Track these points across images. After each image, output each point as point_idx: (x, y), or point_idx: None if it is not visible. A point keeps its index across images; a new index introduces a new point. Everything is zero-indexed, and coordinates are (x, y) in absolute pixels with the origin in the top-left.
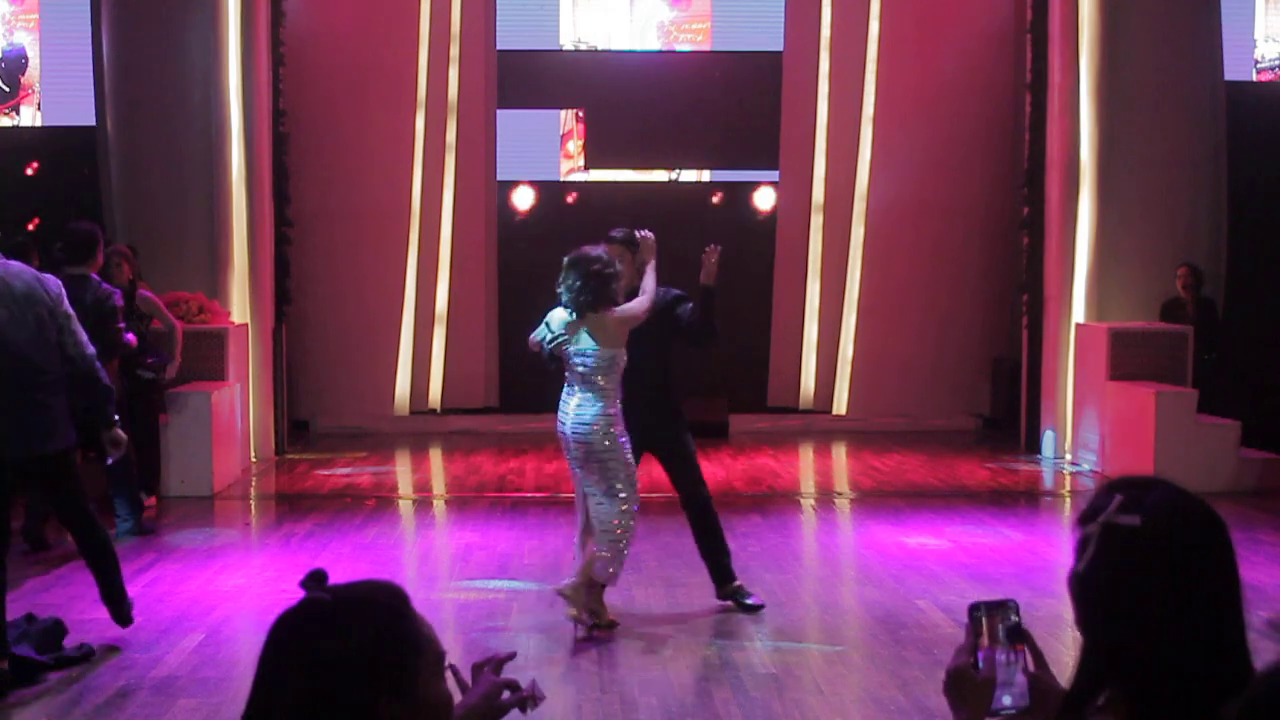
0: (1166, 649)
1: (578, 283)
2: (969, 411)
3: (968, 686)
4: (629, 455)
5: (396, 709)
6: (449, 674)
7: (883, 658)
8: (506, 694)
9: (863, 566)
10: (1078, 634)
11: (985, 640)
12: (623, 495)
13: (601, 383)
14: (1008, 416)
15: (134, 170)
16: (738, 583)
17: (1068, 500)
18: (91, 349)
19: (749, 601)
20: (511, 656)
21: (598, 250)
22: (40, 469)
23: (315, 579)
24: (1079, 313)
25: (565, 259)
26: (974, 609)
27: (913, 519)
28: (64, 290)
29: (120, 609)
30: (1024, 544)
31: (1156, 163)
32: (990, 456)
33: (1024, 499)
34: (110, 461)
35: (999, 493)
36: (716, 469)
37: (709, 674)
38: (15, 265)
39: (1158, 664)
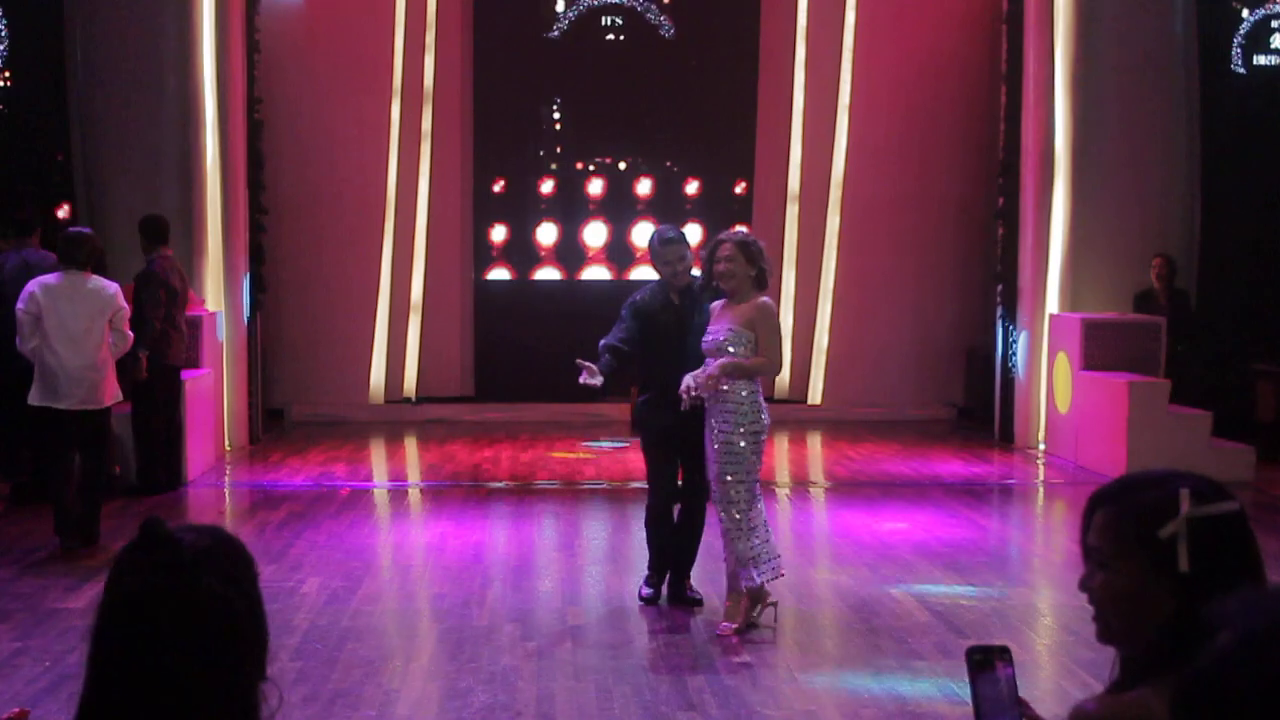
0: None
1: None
2: (943, 401)
3: None
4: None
5: (252, 657)
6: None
7: (856, 646)
8: None
9: (837, 555)
10: (1053, 623)
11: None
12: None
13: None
14: (982, 406)
15: (107, 157)
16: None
17: (1041, 490)
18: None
19: (692, 596)
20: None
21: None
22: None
23: (156, 525)
24: (1053, 303)
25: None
26: (972, 652)
27: (887, 508)
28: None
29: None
30: (997, 533)
31: (1131, 154)
32: (964, 446)
33: (997, 488)
34: None
35: (973, 482)
36: None
37: (683, 662)
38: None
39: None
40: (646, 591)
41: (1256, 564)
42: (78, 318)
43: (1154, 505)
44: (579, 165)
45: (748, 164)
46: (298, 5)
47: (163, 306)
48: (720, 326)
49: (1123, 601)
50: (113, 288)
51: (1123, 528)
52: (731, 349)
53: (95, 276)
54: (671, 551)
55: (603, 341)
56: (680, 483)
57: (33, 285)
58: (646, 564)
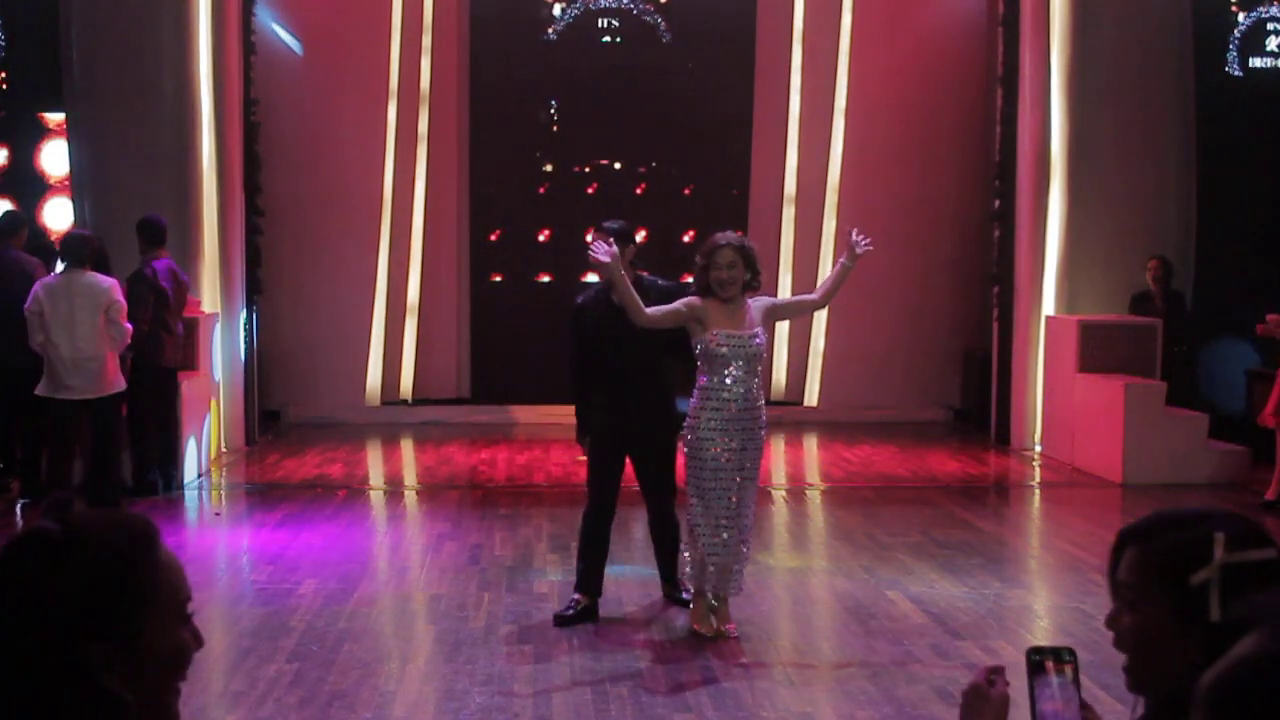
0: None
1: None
2: (940, 403)
3: (980, 704)
4: None
5: (113, 658)
6: None
7: (853, 648)
8: None
9: (833, 557)
10: (1049, 625)
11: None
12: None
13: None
14: (978, 408)
15: (103, 158)
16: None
17: (1037, 492)
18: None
19: (684, 596)
20: None
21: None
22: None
23: (56, 505)
24: (1049, 305)
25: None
26: (1032, 653)
27: (883, 510)
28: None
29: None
30: (994, 535)
31: (1127, 156)
32: (960, 448)
33: (994, 490)
34: None
35: (969, 484)
36: None
37: (680, 664)
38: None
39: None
40: (570, 612)
41: None
42: (76, 311)
43: (1186, 548)
44: (575, 168)
45: (744, 167)
46: (294, 5)
47: (149, 309)
48: (743, 331)
49: (1147, 647)
50: (107, 282)
51: (1150, 569)
52: (763, 353)
53: (91, 273)
54: (660, 554)
55: (573, 388)
56: (654, 491)
57: (36, 286)
58: (575, 584)
